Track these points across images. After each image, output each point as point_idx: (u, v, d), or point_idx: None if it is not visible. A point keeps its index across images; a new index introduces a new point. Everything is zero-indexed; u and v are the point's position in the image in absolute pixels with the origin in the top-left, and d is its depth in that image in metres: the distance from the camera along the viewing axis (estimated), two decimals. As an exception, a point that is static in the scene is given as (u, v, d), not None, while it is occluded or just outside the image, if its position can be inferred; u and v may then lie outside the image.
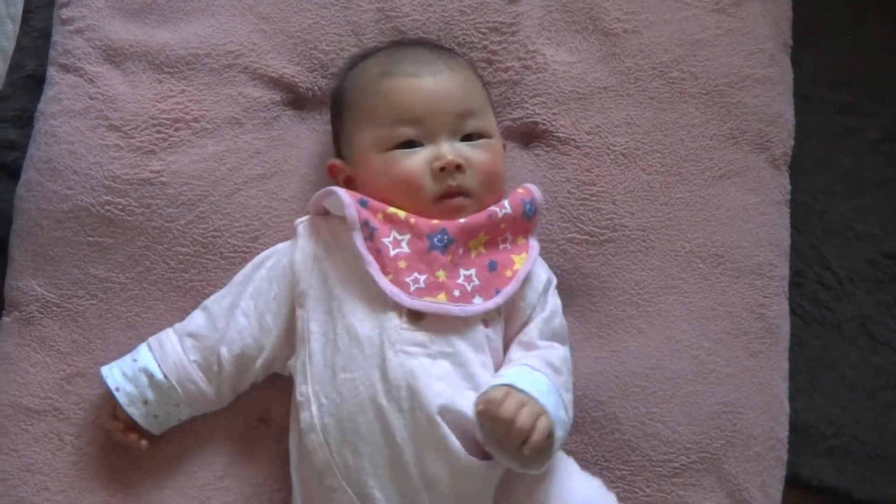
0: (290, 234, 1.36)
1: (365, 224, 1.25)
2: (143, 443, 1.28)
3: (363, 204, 1.26)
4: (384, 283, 1.23)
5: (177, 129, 1.40)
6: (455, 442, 1.19)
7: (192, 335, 1.29)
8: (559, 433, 1.19)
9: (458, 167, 1.27)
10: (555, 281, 1.34)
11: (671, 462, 1.35)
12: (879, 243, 1.68)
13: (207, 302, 1.32)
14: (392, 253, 1.24)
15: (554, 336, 1.29)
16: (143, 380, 1.27)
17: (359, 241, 1.24)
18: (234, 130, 1.42)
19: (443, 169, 1.26)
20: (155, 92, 1.42)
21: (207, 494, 1.32)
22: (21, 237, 1.39)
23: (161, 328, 1.34)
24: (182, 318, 1.34)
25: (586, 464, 1.34)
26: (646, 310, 1.40)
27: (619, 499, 1.33)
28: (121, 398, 1.26)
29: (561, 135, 1.45)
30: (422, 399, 1.19)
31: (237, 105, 1.43)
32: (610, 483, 1.34)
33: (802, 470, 1.55)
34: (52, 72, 1.44)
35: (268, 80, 1.45)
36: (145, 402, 1.27)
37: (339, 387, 1.22)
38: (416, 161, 1.27)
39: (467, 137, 1.30)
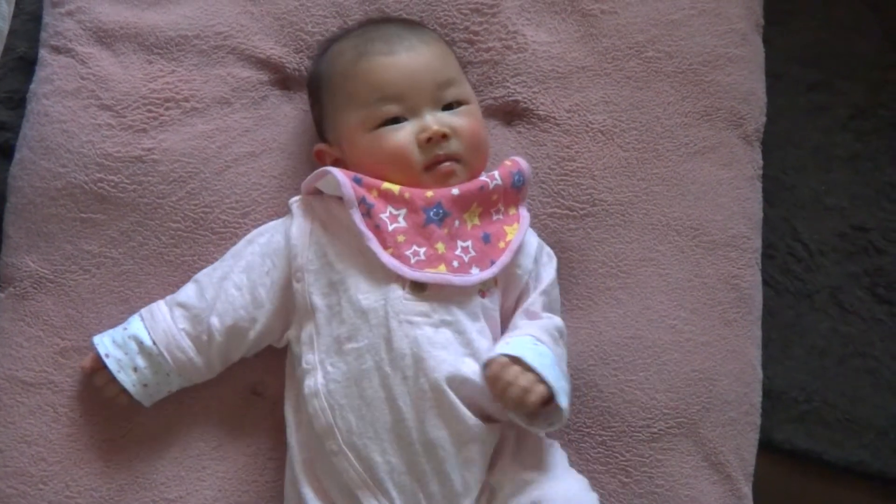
0: (279, 211, 1.38)
1: (362, 201, 1.27)
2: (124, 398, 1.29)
3: (358, 182, 1.28)
4: (385, 257, 1.25)
5: (167, 109, 1.42)
6: (460, 406, 1.22)
7: (181, 304, 1.30)
8: (563, 401, 1.21)
9: (444, 136, 1.29)
10: (550, 252, 1.37)
11: (649, 427, 1.38)
12: (848, 216, 1.71)
13: (198, 275, 1.34)
14: (390, 227, 1.26)
15: (552, 307, 1.34)
16: (133, 346, 1.28)
17: (357, 217, 1.26)
18: (223, 110, 1.43)
19: (429, 140, 1.28)
20: (145, 72, 1.43)
21: (202, 464, 1.34)
22: (15, 215, 1.39)
23: (153, 301, 1.34)
24: (172, 291, 1.35)
25: (568, 430, 1.37)
26: (624, 281, 1.42)
27: (600, 463, 1.37)
28: (111, 364, 1.27)
29: (541, 113, 1.48)
30: (425, 367, 1.22)
31: (226, 85, 1.44)
32: (591, 448, 1.37)
33: (775, 434, 1.58)
34: (43, 53, 1.45)
35: (255, 60, 1.46)
36: (135, 370, 1.28)
37: (345, 356, 1.24)
38: (403, 135, 1.29)
39: (448, 106, 1.32)
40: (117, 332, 1.30)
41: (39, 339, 1.36)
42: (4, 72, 1.56)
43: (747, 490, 1.40)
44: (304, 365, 1.27)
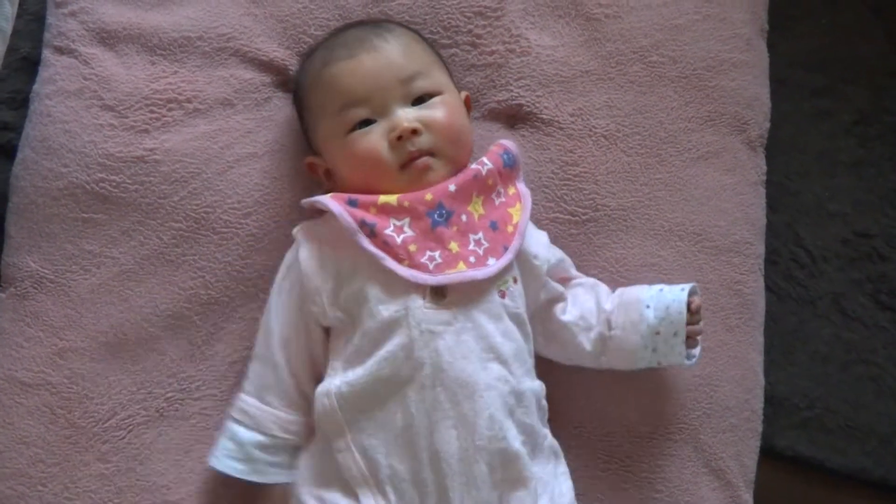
0: (281, 212, 1.39)
1: (363, 224, 1.25)
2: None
3: (353, 203, 1.27)
4: (403, 271, 1.24)
5: (170, 110, 1.42)
6: (473, 418, 1.21)
7: (263, 389, 1.30)
8: None
9: (414, 132, 1.27)
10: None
11: (650, 433, 1.37)
12: (851, 222, 1.71)
13: (255, 351, 1.33)
14: (399, 240, 1.25)
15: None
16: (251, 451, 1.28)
17: (364, 243, 1.25)
18: (225, 111, 1.44)
19: (400, 138, 1.27)
20: (148, 73, 1.43)
21: (203, 466, 1.33)
22: (17, 215, 1.39)
23: (153, 301, 1.36)
24: (173, 291, 1.37)
25: (568, 435, 1.36)
26: (626, 287, 1.41)
27: (600, 469, 1.37)
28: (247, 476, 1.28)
29: (545, 117, 1.47)
30: (444, 377, 1.21)
31: (229, 86, 1.45)
32: (591, 453, 1.37)
33: (777, 441, 1.58)
34: (46, 54, 1.45)
35: (258, 62, 1.46)
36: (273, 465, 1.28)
37: (365, 363, 1.24)
38: (373, 137, 1.28)
39: (419, 101, 1.31)
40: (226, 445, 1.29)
41: (39, 340, 1.36)
42: (8, 72, 1.56)
43: (748, 497, 1.40)
44: (330, 370, 1.27)
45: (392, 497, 1.21)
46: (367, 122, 1.29)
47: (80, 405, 1.34)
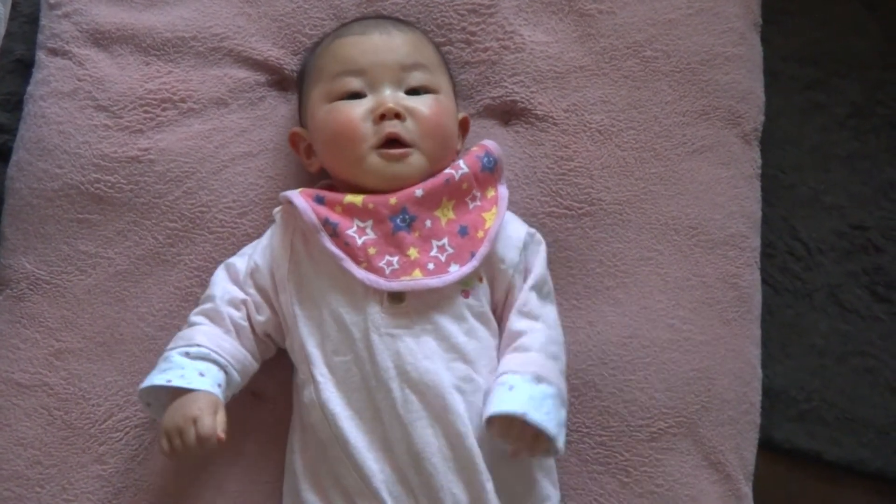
0: (276, 211, 1.39)
1: (326, 222, 1.25)
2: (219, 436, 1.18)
3: (319, 201, 1.27)
4: (360, 273, 1.24)
5: (164, 109, 1.42)
6: (445, 415, 1.21)
7: (196, 314, 1.28)
8: (560, 442, 1.20)
9: (398, 115, 1.27)
10: (538, 237, 1.35)
11: (649, 427, 1.37)
12: (847, 215, 1.72)
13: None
14: (360, 242, 1.25)
15: (545, 299, 1.31)
16: (179, 360, 1.22)
17: (326, 241, 1.25)
18: (220, 110, 1.44)
19: (383, 116, 1.27)
20: (142, 73, 1.43)
21: (201, 466, 1.33)
22: (12, 216, 1.40)
23: (148, 301, 1.36)
24: (169, 291, 1.37)
25: (567, 431, 1.34)
26: (623, 281, 1.42)
27: (599, 463, 1.36)
28: (178, 382, 1.19)
29: (539, 112, 1.47)
30: (409, 379, 1.21)
31: (223, 86, 1.45)
32: (590, 448, 1.36)
33: (775, 433, 1.58)
34: (40, 55, 1.46)
35: (253, 62, 1.47)
36: (201, 374, 1.21)
37: (333, 369, 1.24)
38: (357, 110, 1.28)
39: (413, 92, 1.31)
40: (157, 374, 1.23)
41: (35, 341, 1.36)
42: (2, 74, 1.56)
43: (747, 489, 1.40)
44: (300, 375, 1.27)
45: (389, 502, 1.20)
46: (356, 96, 1.30)
47: (77, 406, 1.34)
